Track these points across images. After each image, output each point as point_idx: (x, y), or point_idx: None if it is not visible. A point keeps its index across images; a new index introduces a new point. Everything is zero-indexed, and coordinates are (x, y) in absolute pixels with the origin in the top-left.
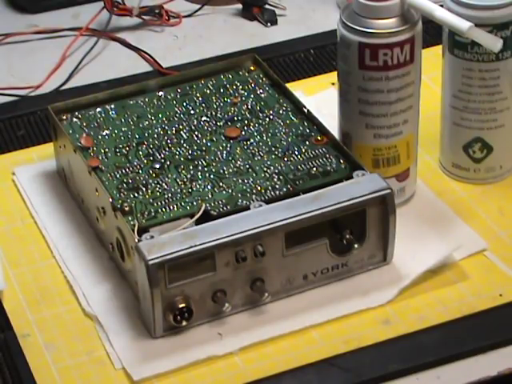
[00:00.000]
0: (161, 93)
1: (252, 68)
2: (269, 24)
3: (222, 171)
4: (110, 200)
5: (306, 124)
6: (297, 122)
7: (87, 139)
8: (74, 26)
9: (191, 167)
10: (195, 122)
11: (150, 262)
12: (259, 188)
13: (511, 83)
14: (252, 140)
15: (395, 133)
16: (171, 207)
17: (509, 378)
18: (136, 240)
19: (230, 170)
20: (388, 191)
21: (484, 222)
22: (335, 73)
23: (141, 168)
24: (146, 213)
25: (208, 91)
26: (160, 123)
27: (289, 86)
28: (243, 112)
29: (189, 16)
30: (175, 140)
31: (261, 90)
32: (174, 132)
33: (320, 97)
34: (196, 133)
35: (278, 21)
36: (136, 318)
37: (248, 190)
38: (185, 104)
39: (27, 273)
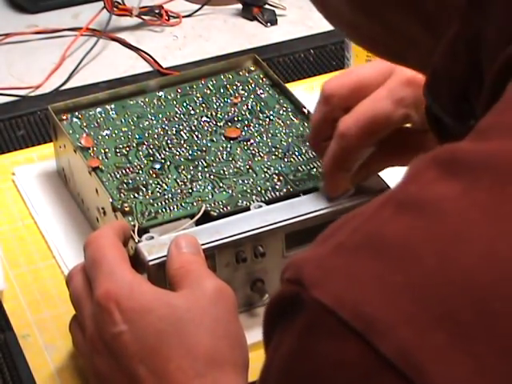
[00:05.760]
0: (161, 93)
1: (252, 68)
2: (269, 24)
3: (222, 172)
4: (110, 200)
5: (306, 124)
6: (297, 122)
7: (87, 139)
8: (74, 26)
9: (191, 168)
10: (195, 123)
11: (150, 263)
12: (259, 189)
13: None
14: (252, 140)
15: None
16: (171, 208)
17: None
18: (136, 240)
19: (230, 171)
20: None
21: None
22: (335, 73)
23: (141, 168)
24: (146, 213)
25: (208, 91)
26: (160, 123)
27: (289, 86)
28: (243, 112)
29: (189, 16)
30: (175, 140)
31: (261, 91)
32: (174, 132)
33: None
34: (196, 133)
35: (278, 21)
36: None
37: (248, 190)
38: (185, 104)
39: (27, 273)
